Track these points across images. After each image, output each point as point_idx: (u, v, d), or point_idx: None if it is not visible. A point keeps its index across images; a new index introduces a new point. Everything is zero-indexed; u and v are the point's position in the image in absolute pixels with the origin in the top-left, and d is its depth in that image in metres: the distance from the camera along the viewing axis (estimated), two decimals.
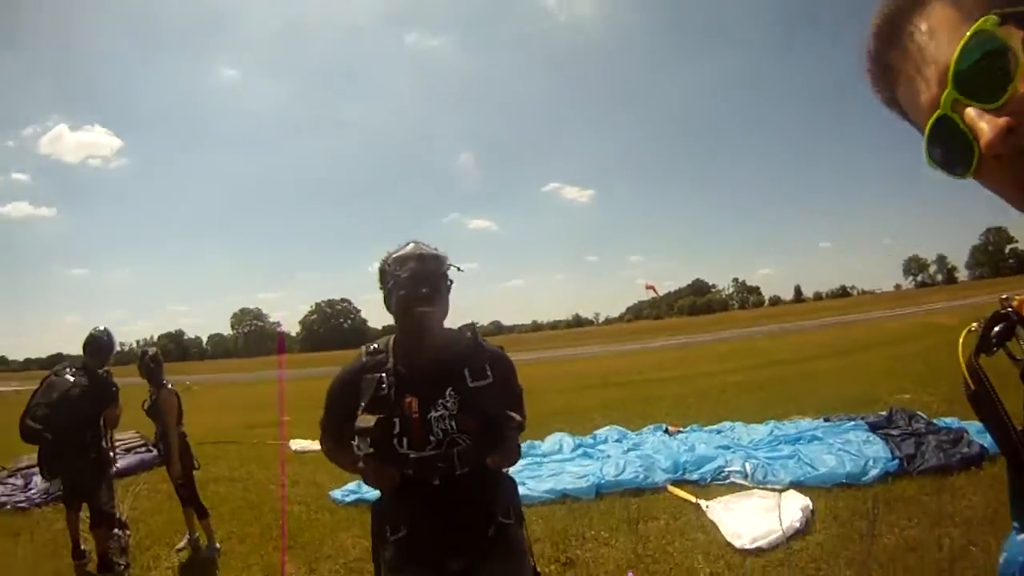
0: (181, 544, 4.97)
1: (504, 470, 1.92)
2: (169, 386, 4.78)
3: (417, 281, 1.78)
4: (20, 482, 7.43)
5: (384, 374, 1.83)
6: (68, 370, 4.48)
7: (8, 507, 6.71)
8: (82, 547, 4.74)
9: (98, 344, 4.59)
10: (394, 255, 1.85)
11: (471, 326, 1.96)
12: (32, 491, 6.99)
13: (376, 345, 1.93)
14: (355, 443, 1.77)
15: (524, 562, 1.94)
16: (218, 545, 4.86)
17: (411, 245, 1.87)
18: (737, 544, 3.94)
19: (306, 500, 6.24)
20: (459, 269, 1.91)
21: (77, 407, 4.30)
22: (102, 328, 4.67)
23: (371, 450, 1.75)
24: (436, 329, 1.86)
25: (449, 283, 1.89)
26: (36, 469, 7.42)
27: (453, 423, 1.76)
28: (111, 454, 4.77)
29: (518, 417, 1.86)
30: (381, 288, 1.91)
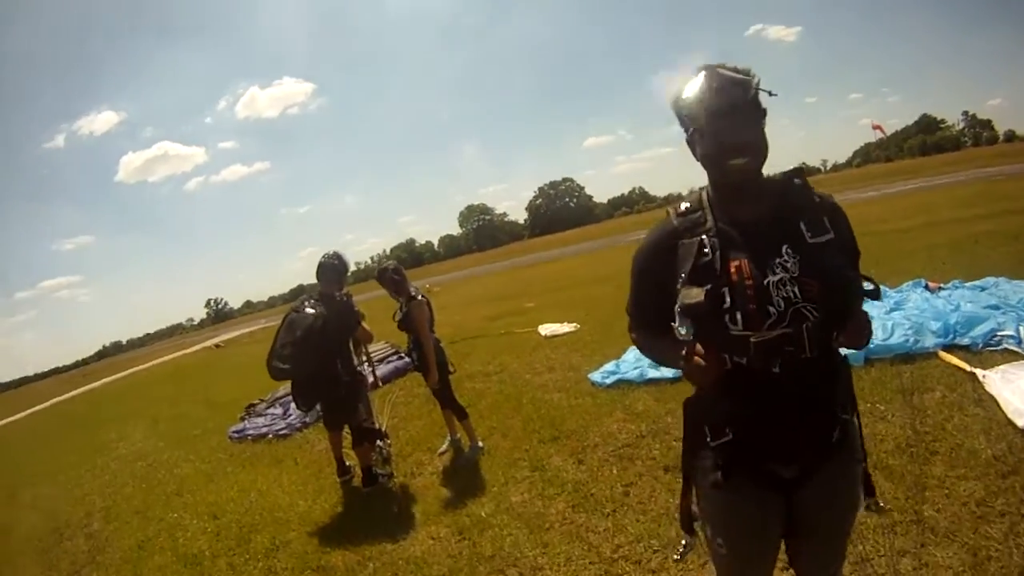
0: (443, 447, 5.09)
1: (841, 351, 1.54)
2: (419, 296, 4.66)
3: (723, 124, 1.40)
4: (279, 411, 7.74)
5: (704, 236, 1.47)
6: (307, 303, 4.41)
7: (270, 436, 7.02)
8: (347, 463, 4.93)
9: (330, 269, 4.51)
10: (685, 89, 1.47)
11: (799, 171, 1.56)
12: (292, 418, 7.25)
13: (687, 204, 1.56)
14: (675, 325, 1.41)
15: (861, 466, 1.63)
16: (481, 444, 4.86)
17: (703, 74, 1.44)
18: (1020, 423, 3.46)
19: (564, 386, 6.14)
20: (771, 94, 1.45)
21: (323, 340, 4.27)
22: (332, 252, 4.56)
23: (691, 336, 1.40)
24: (757, 177, 1.49)
25: (763, 112, 1.45)
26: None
27: (796, 289, 1.40)
28: (370, 368, 4.93)
29: (871, 283, 1.45)
30: (682, 128, 1.54)
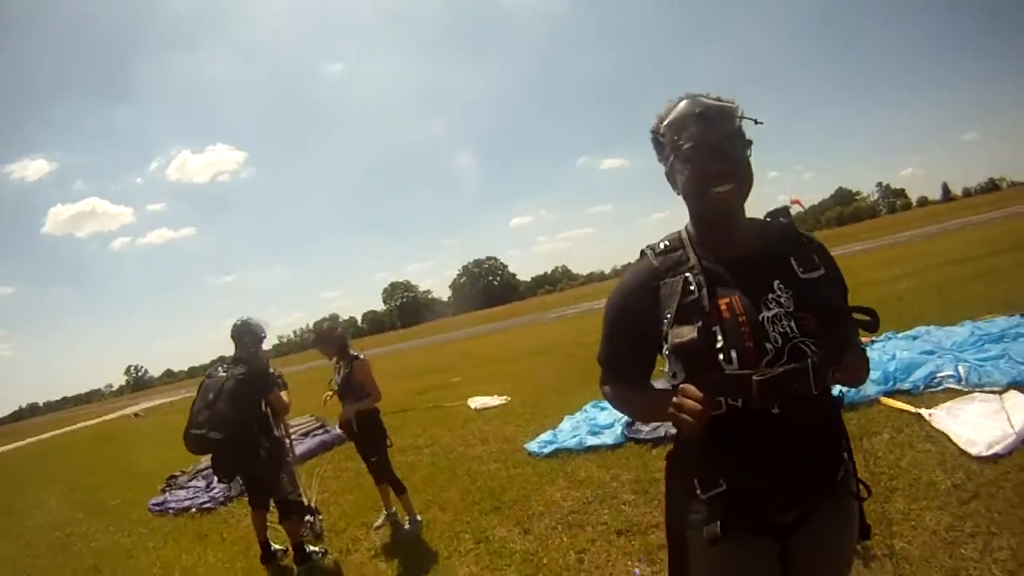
0: (379, 521, 4.81)
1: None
2: (361, 356, 4.52)
3: (707, 151, 1.33)
4: (202, 483, 7.44)
5: (688, 273, 1.38)
6: (220, 368, 4.23)
7: (194, 510, 6.68)
8: (273, 548, 4.54)
9: (244, 330, 4.31)
10: (668, 118, 1.39)
11: (784, 210, 1.50)
12: (215, 491, 6.96)
13: (665, 243, 1.46)
14: (666, 371, 1.34)
15: (857, 503, 1.49)
16: (419, 517, 4.62)
17: (685, 102, 1.38)
18: (973, 452, 3.57)
19: (500, 457, 5.97)
20: (757, 122, 1.38)
21: (237, 399, 4.04)
22: (245, 317, 4.38)
23: (680, 380, 1.31)
24: (740, 209, 1.41)
25: (747, 143, 1.39)
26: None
27: (792, 324, 1.31)
28: (287, 442, 4.60)
29: (868, 314, 1.38)
30: (660, 161, 1.47)
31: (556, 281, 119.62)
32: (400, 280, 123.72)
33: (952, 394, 4.43)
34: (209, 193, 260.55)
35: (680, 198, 1.46)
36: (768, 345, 1.29)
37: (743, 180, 1.37)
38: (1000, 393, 4.21)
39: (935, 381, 4.71)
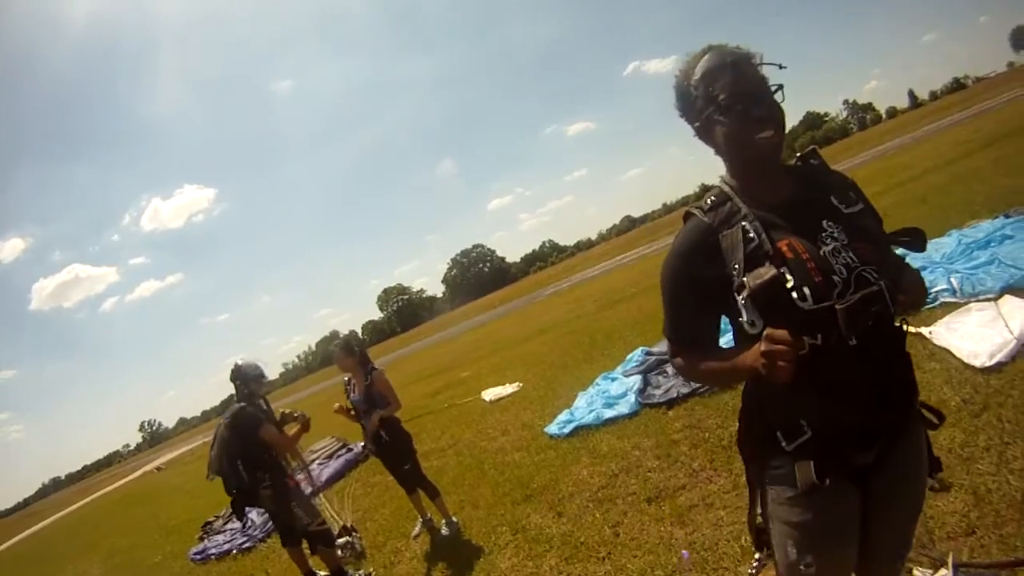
0: (416, 530, 4.87)
1: None
2: (376, 367, 4.59)
3: (744, 99, 1.33)
4: (238, 525, 7.27)
5: (745, 223, 1.37)
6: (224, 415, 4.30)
7: (234, 552, 6.73)
8: (318, 574, 4.54)
9: (235, 374, 4.32)
10: (696, 69, 1.39)
11: (814, 151, 1.50)
12: (251, 529, 6.96)
13: (711, 198, 1.45)
14: (743, 320, 1.33)
15: (925, 438, 1.52)
16: (455, 519, 4.65)
17: (712, 54, 1.38)
18: (977, 364, 3.62)
19: (523, 445, 6.00)
20: (781, 67, 1.39)
21: (223, 443, 4.16)
22: (239, 361, 4.38)
23: (761, 328, 1.29)
24: (780, 154, 1.42)
25: (777, 88, 1.38)
26: (247, 508, 7.87)
27: (851, 254, 1.32)
28: (304, 473, 4.61)
29: (908, 238, 1.42)
30: (684, 117, 1.46)
31: (546, 256, 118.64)
32: (392, 284, 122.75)
33: (949, 308, 4.48)
34: (187, 236, 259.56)
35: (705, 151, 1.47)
36: (835, 278, 1.29)
37: (781, 124, 1.37)
38: (995, 300, 4.26)
39: (930, 297, 4.73)
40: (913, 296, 1.35)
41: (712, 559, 2.92)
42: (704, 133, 1.44)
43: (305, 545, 4.41)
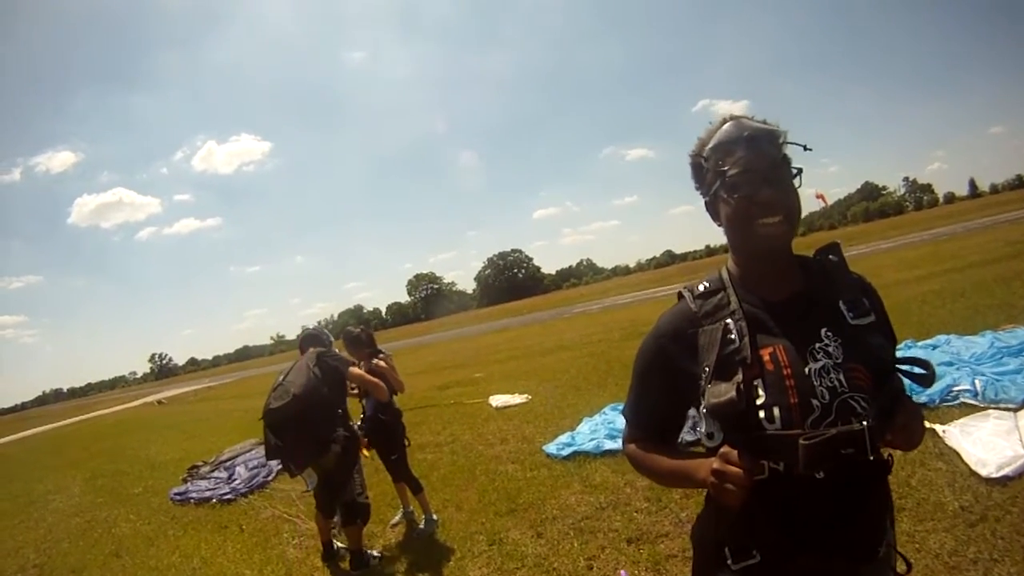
0: (396, 519, 4.88)
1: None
2: (384, 351, 4.70)
3: (756, 177, 1.20)
4: (223, 475, 7.55)
5: (729, 319, 1.25)
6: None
7: (214, 500, 6.78)
8: (336, 547, 4.45)
9: (308, 339, 4.34)
10: (711, 141, 1.26)
11: (835, 246, 1.33)
12: (236, 482, 7.11)
13: (705, 284, 1.33)
14: (701, 431, 1.22)
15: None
16: (435, 517, 4.64)
17: (730, 124, 1.26)
18: (983, 473, 3.53)
19: (518, 458, 5.98)
20: (806, 148, 1.26)
21: (305, 371, 3.80)
22: (309, 326, 4.46)
23: (718, 442, 1.19)
24: (789, 246, 1.27)
25: (796, 172, 1.25)
26: (238, 460, 7.88)
27: (841, 377, 1.16)
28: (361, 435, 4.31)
29: (923, 368, 1.23)
30: (699, 189, 1.34)
31: (581, 274, 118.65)
32: (425, 271, 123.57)
33: (967, 409, 4.40)
34: (235, 183, 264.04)
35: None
36: (815, 401, 1.15)
37: (792, 211, 1.22)
38: (1015, 411, 4.16)
39: (951, 395, 4.68)
40: (904, 437, 1.16)
41: None
42: (711, 209, 1.34)
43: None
